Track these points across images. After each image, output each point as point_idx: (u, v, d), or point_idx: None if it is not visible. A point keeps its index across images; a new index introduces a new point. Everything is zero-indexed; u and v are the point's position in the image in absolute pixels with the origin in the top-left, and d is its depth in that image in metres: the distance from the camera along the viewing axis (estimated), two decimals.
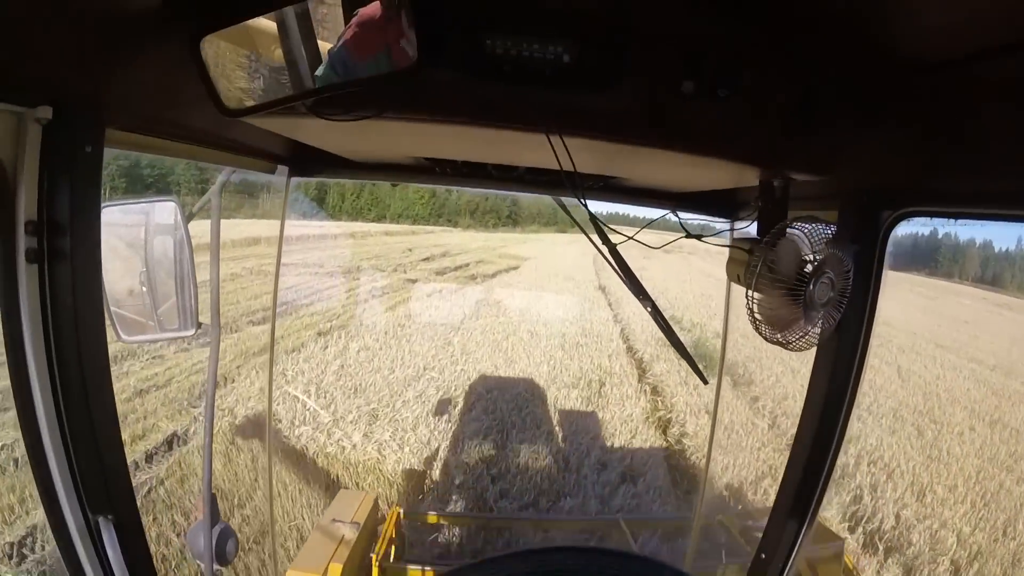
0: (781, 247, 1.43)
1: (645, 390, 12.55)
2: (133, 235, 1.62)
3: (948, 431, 11.54)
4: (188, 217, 1.70)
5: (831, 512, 8.23)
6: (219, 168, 2.08)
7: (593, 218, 1.87)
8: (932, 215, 1.54)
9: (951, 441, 11.07)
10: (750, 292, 1.46)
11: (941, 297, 28.91)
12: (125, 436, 8.47)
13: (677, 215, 2.13)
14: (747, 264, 1.48)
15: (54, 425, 1.17)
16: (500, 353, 14.86)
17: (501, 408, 10.89)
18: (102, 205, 1.25)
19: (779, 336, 1.47)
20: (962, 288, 30.50)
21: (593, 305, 21.66)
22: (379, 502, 5.37)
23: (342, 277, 24.21)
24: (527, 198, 56.70)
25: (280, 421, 9.63)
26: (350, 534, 4.33)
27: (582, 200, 1.72)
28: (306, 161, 2.23)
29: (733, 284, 1.73)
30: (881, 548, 7.60)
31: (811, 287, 1.40)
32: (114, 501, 1.27)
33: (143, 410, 9.42)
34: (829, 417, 1.78)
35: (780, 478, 1.97)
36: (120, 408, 1.32)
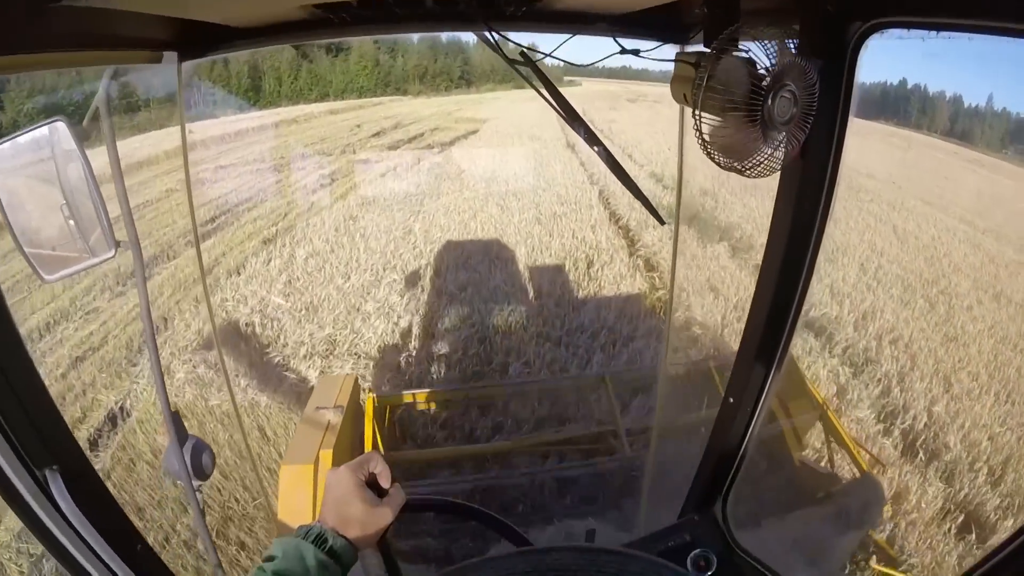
0: (732, 57, 1.23)
1: (639, 265, 10.93)
2: (29, 169, 1.44)
3: (958, 304, 10.20)
4: (81, 133, 1.47)
5: (864, 411, 6.97)
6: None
7: (501, 52, 1.62)
8: (909, 26, 1.30)
9: (963, 317, 9.74)
10: (697, 112, 1.23)
11: (915, 149, 26.50)
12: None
13: (616, 39, 1.81)
14: (693, 80, 1.23)
15: None
16: (469, 236, 12.98)
17: (479, 310, 9.20)
18: None
19: (735, 162, 1.27)
20: (932, 141, 28.58)
21: (565, 167, 19.52)
22: (360, 382, 5.28)
23: (285, 170, 21.55)
24: (479, 56, 53.08)
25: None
26: (335, 419, 4.27)
27: (491, 29, 1.53)
28: (193, 41, 1.84)
29: (686, 116, 1.40)
30: (921, 455, 6.36)
31: (769, 102, 1.20)
32: (56, 451, 1.24)
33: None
34: (795, 250, 1.63)
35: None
36: None
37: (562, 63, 1.80)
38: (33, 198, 1.47)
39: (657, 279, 10.19)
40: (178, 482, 1.91)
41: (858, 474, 4.95)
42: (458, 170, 19.44)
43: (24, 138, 1.45)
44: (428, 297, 9.94)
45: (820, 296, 9.62)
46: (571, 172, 18.75)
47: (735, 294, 9.70)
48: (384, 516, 1.15)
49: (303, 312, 9.48)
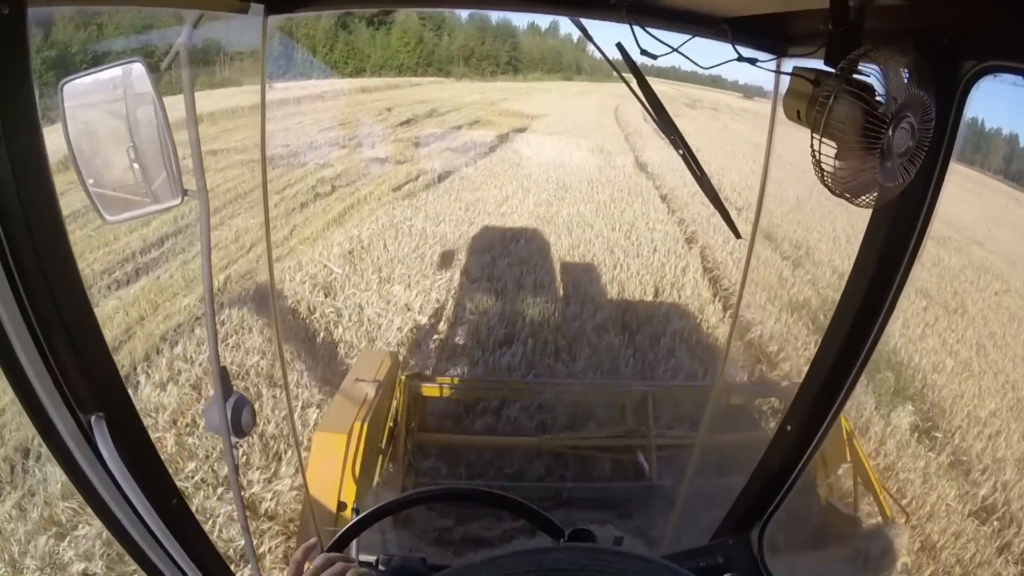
0: (857, 80, 1.07)
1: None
2: (104, 107, 1.32)
3: None
4: (158, 77, 1.36)
5: None
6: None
7: (624, 47, 1.47)
8: (1022, 72, 1.14)
9: None
10: (817, 135, 1.10)
11: (986, 194, 22.04)
12: None
13: (732, 43, 1.58)
14: (813, 99, 1.11)
15: (20, 327, 0.99)
16: (524, 335, 7.07)
17: None
18: (64, 80, 1.24)
19: (846, 189, 1.14)
20: (996, 184, 24.49)
21: (645, 204, 13.36)
22: (399, 361, 5.13)
23: (281, 166, 15.70)
24: (528, 41, 47.14)
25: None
26: (373, 393, 4.06)
27: (630, 20, 1.41)
28: None
29: (776, 136, 1.53)
30: None
31: (890, 132, 1.07)
32: (103, 397, 1.13)
33: None
34: (878, 288, 1.50)
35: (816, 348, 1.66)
36: None
37: (640, 59, 1.48)
38: (102, 137, 1.37)
39: None
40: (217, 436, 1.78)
41: (881, 521, 4.53)
42: (499, 199, 13.21)
43: (101, 75, 1.34)
44: None
45: None
46: (655, 215, 12.56)
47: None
48: None
49: None
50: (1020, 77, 1.16)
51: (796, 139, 1.28)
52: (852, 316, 1.53)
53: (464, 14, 46.86)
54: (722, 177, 15.57)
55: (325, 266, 8.98)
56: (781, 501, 1.92)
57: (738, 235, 1.74)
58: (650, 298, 8.59)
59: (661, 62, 1.47)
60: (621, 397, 5.58)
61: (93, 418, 1.11)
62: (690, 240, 11.31)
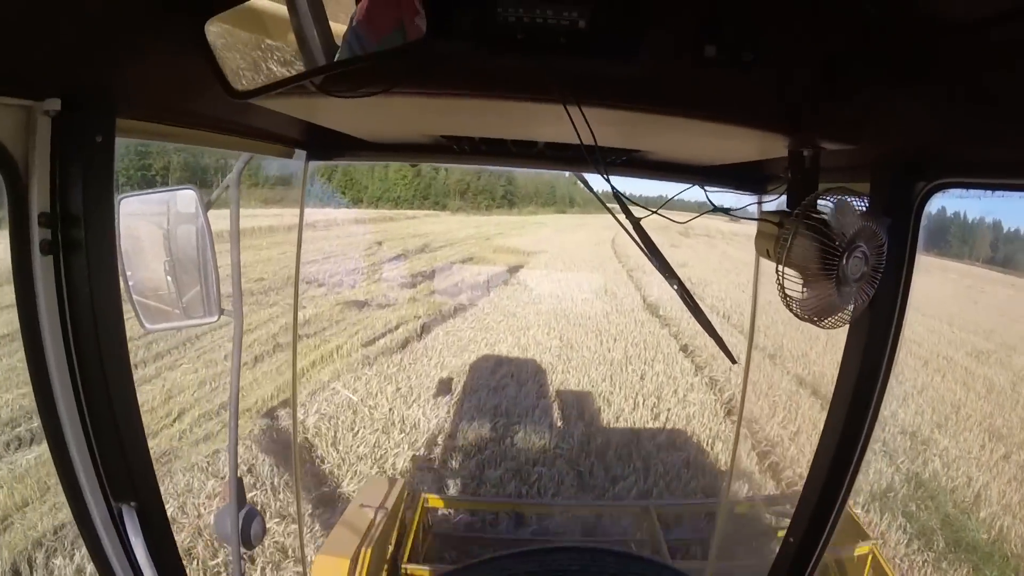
0: (812, 219, 1.23)
1: None
2: (155, 225, 1.48)
3: None
4: (207, 205, 1.55)
5: None
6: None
7: (617, 195, 1.49)
8: (968, 187, 1.30)
9: None
10: (780, 267, 1.23)
11: (990, 288, 22.67)
12: None
13: (704, 189, 1.89)
14: (777, 238, 1.25)
15: (74, 415, 1.07)
16: None
17: None
18: (121, 196, 1.31)
19: (810, 314, 1.26)
20: (993, 275, 25.59)
21: (666, 360, 11.03)
22: (406, 488, 4.87)
23: (251, 302, 13.57)
24: (523, 176, 47.50)
25: None
26: (376, 520, 4.00)
27: (605, 175, 1.47)
28: (323, 144, 2.01)
29: (762, 261, 1.55)
30: None
31: (844, 262, 1.21)
32: (137, 489, 1.17)
33: None
34: (861, 398, 1.53)
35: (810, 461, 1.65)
36: None
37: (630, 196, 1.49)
38: (147, 251, 1.45)
39: None
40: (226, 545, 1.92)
41: None
42: (492, 365, 10.65)
43: (155, 195, 1.49)
44: None
45: None
46: (682, 378, 10.17)
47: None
48: None
49: None
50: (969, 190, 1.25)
51: None
52: (840, 425, 1.52)
53: None
54: (743, 316, 13.56)
55: (251, 468, 6.35)
56: None
57: (733, 360, 1.58)
58: (702, 520, 5.94)
59: (650, 193, 1.65)
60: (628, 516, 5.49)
61: (124, 508, 1.13)
62: (731, 411, 8.88)
